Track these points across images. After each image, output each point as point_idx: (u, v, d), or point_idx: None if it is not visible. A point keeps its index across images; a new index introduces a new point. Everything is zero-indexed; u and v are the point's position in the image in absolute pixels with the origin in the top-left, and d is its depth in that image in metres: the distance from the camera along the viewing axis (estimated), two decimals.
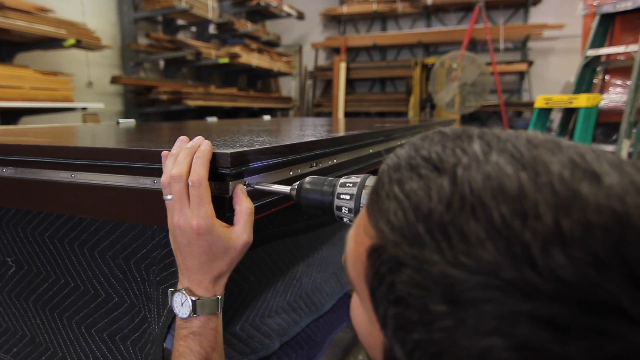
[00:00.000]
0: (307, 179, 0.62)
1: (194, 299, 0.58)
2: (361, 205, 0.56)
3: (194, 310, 0.58)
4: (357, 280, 0.36)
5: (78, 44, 3.55)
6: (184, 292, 0.59)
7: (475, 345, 0.26)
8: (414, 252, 0.29)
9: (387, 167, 0.34)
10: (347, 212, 0.57)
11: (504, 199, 0.27)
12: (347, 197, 0.57)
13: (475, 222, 0.27)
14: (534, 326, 0.25)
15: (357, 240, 0.36)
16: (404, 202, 0.30)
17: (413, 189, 0.30)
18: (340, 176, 0.61)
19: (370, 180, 0.57)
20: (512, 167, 0.28)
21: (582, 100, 2.98)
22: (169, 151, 0.60)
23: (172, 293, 0.60)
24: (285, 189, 0.63)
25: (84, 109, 3.70)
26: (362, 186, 0.56)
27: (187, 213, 0.57)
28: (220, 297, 0.60)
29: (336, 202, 0.58)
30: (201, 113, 4.98)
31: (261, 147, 0.65)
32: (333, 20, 7.41)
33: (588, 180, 0.27)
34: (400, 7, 6.69)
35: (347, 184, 0.58)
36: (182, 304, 0.59)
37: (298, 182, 0.62)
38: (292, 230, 0.96)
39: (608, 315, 0.24)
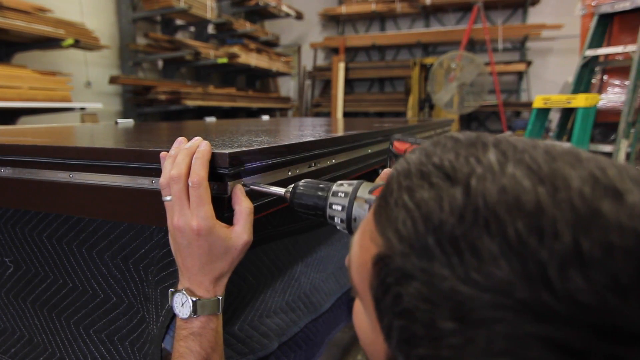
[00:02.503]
0: (302, 182, 0.61)
1: (194, 299, 0.58)
2: (353, 217, 0.55)
3: (195, 310, 0.58)
4: (361, 287, 0.35)
5: (76, 44, 3.54)
6: (185, 292, 0.58)
7: None
8: (422, 264, 0.28)
9: (397, 173, 0.33)
10: (339, 222, 0.57)
11: (520, 215, 0.25)
12: (339, 207, 0.56)
13: (489, 238, 0.26)
14: (546, 350, 0.24)
15: (362, 246, 0.35)
16: (413, 211, 0.29)
17: (424, 198, 0.29)
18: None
19: (363, 190, 0.56)
20: (530, 180, 0.27)
21: (581, 100, 2.98)
22: (167, 152, 0.60)
23: (173, 294, 0.60)
24: (280, 190, 0.62)
25: (82, 109, 3.69)
26: (353, 197, 0.55)
27: (187, 214, 0.56)
28: (220, 298, 0.60)
29: (328, 211, 0.58)
30: (200, 113, 4.97)
31: (260, 147, 0.65)
32: (332, 20, 7.41)
33: (610, 197, 0.25)
34: (399, 7, 6.70)
35: (339, 194, 0.57)
36: (182, 305, 0.59)
37: (293, 185, 0.62)
38: (291, 230, 0.96)
39: (627, 343, 0.23)
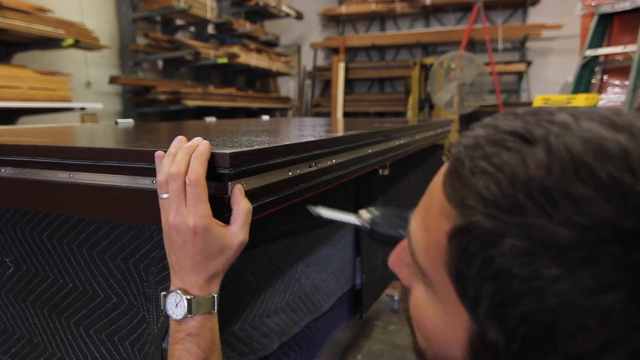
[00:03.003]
0: (378, 214, 0.62)
1: (189, 297, 0.57)
2: None
3: (190, 309, 0.57)
4: (433, 270, 0.35)
5: (76, 44, 3.54)
6: (178, 292, 0.58)
7: (597, 303, 0.26)
8: (515, 220, 0.28)
9: (464, 148, 0.33)
10: None
11: (608, 159, 0.27)
12: None
13: (582, 184, 0.27)
14: None
15: (430, 227, 0.35)
16: (495, 174, 0.30)
17: (505, 160, 0.30)
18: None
19: None
20: (608, 130, 0.29)
21: (581, 100, 2.98)
22: (164, 151, 0.60)
23: (165, 296, 0.59)
24: (354, 220, 0.63)
25: (82, 109, 3.69)
26: None
27: (184, 212, 0.56)
28: (215, 296, 0.59)
29: None
30: (200, 113, 4.97)
31: (260, 147, 0.65)
32: (332, 20, 7.40)
33: None
34: (398, 7, 6.70)
35: None
36: (176, 305, 0.58)
37: (370, 217, 0.62)
38: (291, 230, 0.96)
39: None
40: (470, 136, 0.34)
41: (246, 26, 6.12)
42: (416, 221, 0.38)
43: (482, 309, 0.31)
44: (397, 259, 0.45)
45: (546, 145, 0.29)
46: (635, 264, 0.26)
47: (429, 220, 0.36)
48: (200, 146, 0.59)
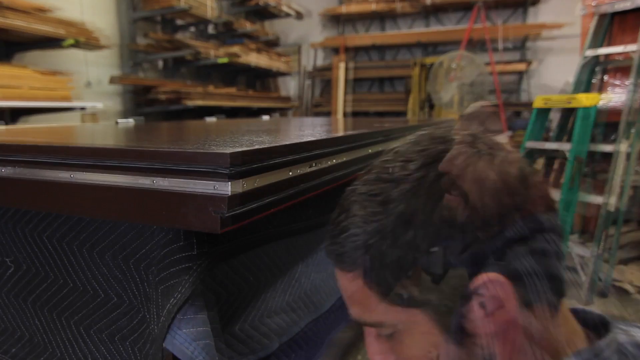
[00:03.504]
0: None
1: None
2: None
3: None
4: (385, 314, 0.44)
5: (77, 44, 3.54)
6: None
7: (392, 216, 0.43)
8: (369, 235, 0.44)
9: (329, 252, 0.49)
10: None
11: (377, 167, 0.50)
12: None
13: (379, 183, 0.47)
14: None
15: (358, 299, 0.46)
16: (347, 235, 0.45)
17: (341, 220, 0.47)
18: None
19: None
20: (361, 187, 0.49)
21: (581, 100, 2.98)
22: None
23: None
24: None
25: (82, 108, 3.69)
26: None
27: None
28: None
29: None
30: (200, 113, 4.97)
31: (260, 147, 0.65)
32: (332, 20, 7.40)
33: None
34: (399, 7, 6.69)
35: None
36: None
37: None
38: (291, 230, 0.96)
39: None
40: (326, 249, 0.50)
41: (247, 26, 6.12)
42: (351, 308, 0.48)
43: (414, 290, 0.42)
44: (372, 351, 0.49)
45: (344, 201, 0.48)
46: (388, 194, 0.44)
47: (354, 296, 0.47)
48: None
